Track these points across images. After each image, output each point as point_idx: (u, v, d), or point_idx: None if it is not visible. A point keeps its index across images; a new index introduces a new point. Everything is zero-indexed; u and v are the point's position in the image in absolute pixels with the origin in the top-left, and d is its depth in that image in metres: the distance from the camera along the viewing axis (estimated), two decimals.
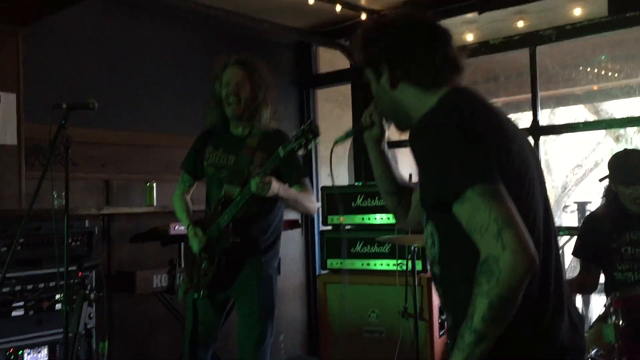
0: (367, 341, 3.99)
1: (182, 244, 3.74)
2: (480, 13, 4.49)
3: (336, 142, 1.84)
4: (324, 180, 5.55)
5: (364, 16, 4.77)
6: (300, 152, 2.56)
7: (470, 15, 4.73)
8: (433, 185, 1.40)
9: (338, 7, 4.57)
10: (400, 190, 1.84)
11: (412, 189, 1.83)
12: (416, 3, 4.56)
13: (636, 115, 3.97)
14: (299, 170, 2.82)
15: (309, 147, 2.52)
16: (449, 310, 1.52)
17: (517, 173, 1.41)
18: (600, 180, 3.14)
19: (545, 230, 1.45)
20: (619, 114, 9.15)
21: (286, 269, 4.77)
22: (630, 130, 10.34)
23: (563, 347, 1.42)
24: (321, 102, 5.67)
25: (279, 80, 5.21)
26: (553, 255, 1.46)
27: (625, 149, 3.29)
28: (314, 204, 2.91)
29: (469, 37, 4.96)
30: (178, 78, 4.40)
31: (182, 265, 3.66)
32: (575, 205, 6.79)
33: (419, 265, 3.68)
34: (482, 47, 4.58)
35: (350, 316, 4.04)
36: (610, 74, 6.51)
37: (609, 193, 3.08)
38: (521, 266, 1.23)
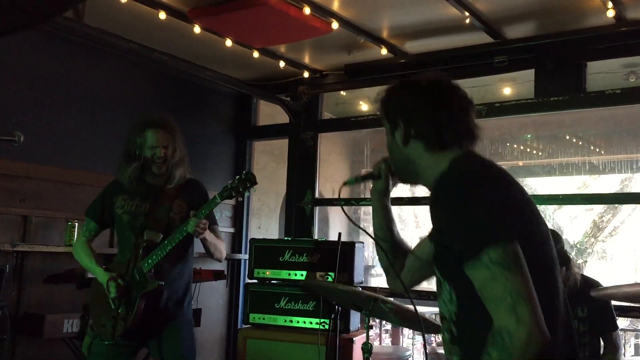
0: None
1: None
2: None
3: (345, 184, 1.88)
4: (254, 233, 5.51)
5: (306, 74, 4.88)
6: (238, 199, 2.77)
7: None
8: (451, 244, 1.41)
9: (282, 63, 4.66)
10: (396, 248, 1.83)
11: (408, 251, 1.83)
12: (353, 67, 4.72)
13: (555, 193, 4.17)
14: (213, 217, 2.97)
15: (246, 194, 2.73)
16: None
17: (534, 236, 1.43)
18: None
19: (558, 294, 1.46)
20: (540, 191, 9.63)
21: (207, 321, 4.65)
22: (551, 208, 10.88)
23: None
24: (257, 153, 5.69)
25: (217, 129, 5.27)
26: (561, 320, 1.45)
27: None
28: (224, 253, 3.04)
29: None
30: (111, 117, 4.32)
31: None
32: None
33: (341, 325, 3.66)
34: None
35: None
36: (534, 152, 6.88)
37: None
38: (535, 344, 1.23)
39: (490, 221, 1.35)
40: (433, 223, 1.51)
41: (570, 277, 2.97)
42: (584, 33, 3.89)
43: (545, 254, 1.45)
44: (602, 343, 3.05)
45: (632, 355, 8.01)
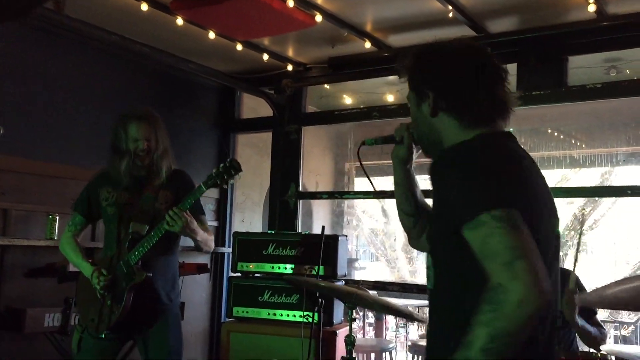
0: None
1: None
2: (400, 77, 4.68)
3: (364, 143, 1.81)
4: (237, 226, 5.50)
5: (290, 67, 4.87)
6: (224, 187, 2.72)
7: (391, 78, 4.93)
8: (449, 211, 1.34)
9: (265, 56, 4.64)
10: (418, 211, 1.76)
11: (429, 211, 1.73)
12: (337, 60, 4.72)
13: None
14: (200, 207, 2.94)
15: (231, 182, 2.69)
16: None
17: (537, 218, 1.35)
18: None
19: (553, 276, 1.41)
20: None
21: (190, 314, 4.64)
22: None
23: None
24: (241, 146, 5.67)
25: (200, 122, 5.24)
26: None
27: None
28: (212, 244, 3.01)
29: (390, 98, 5.16)
30: (93, 110, 4.28)
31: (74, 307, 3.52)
32: None
33: (325, 318, 3.67)
34: (401, 109, 4.77)
35: None
36: None
37: None
38: (532, 301, 1.15)
39: (496, 187, 1.29)
40: (433, 187, 1.44)
41: None
42: (565, 28, 3.93)
43: (544, 238, 1.37)
44: (576, 336, 3.10)
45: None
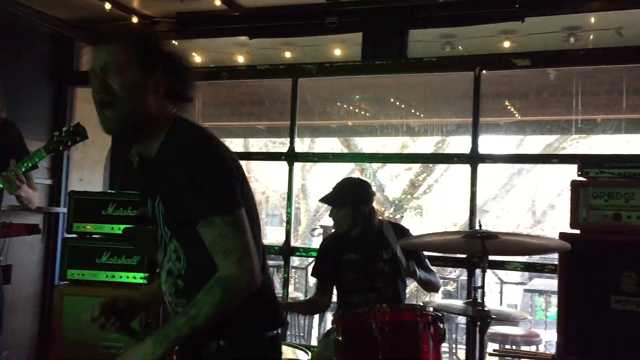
0: (104, 357, 3.79)
1: None
2: (250, 38, 4.66)
3: None
4: (75, 185, 5.19)
5: (135, 19, 4.63)
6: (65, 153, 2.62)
7: (242, 38, 4.88)
8: (184, 205, 1.57)
9: (107, 5, 4.36)
10: None
11: None
12: (186, 16, 4.57)
13: (377, 152, 4.46)
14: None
15: (75, 148, 2.63)
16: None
17: (249, 197, 1.68)
18: (320, 200, 3.50)
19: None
20: (366, 150, 10.19)
21: (19, 278, 4.35)
22: (375, 165, 11.58)
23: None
24: (80, 101, 5.30)
25: (32, 72, 4.82)
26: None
27: (345, 177, 3.72)
28: (37, 201, 2.93)
29: (240, 59, 5.11)
30: None
31: None
32: (322, 229, 7.34)
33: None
34: (250, 71, 4.76)
35: (87, 331, 3.80)
36: (362, 112, 7.22)
37: None
38: (249, 287, 1.56)
39: (225, 189, 1.57)
40: (164, 182, 1.63)
41: (374, 221, 3.24)
42: (407, 2, 4.13)
43: (255, 210, 1.71)
44: (405, 286, 3.36)
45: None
